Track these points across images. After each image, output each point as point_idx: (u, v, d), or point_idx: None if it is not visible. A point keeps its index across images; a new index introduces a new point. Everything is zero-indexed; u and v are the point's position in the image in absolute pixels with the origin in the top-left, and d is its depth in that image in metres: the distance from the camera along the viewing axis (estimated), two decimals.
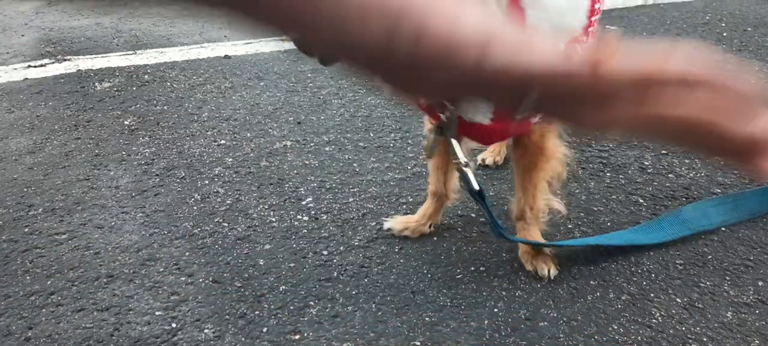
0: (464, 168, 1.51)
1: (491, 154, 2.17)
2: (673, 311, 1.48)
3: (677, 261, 1.66)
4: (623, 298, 1.53)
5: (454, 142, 1.48)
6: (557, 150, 1.62)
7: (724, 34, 3.48)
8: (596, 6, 1.50)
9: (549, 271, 1.62)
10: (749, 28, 3.56)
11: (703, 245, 1.72)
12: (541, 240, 1.68)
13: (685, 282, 1.58)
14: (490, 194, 2.01)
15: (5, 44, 3.66)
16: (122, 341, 1.47)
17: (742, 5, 3.99)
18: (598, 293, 1.55)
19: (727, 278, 1.59)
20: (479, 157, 2.19)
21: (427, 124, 1.58)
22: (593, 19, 1.51)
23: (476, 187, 1.51)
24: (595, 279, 1.60)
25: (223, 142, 2.41)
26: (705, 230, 1.77)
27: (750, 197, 1.85)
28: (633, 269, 1.63)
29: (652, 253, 1.69)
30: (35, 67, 3.27)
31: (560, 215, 1.75)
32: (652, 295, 1.54)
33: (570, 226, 1.84)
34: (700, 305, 1.50)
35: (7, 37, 3.79)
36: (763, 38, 3.39)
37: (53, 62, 3.33)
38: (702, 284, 1.57)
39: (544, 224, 1.71)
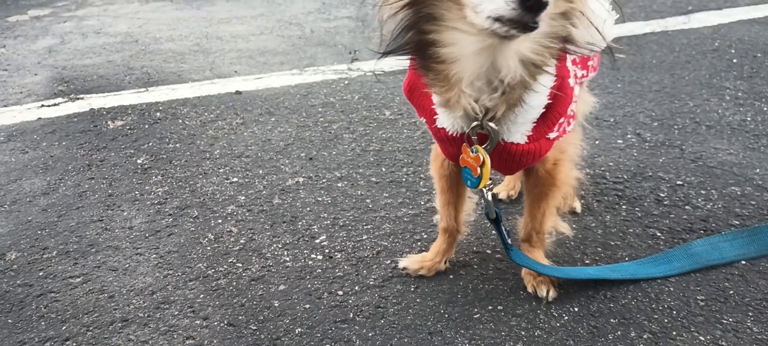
0: (487, 192, 1.58)
1: (505, 188, 2.16)
2: None
3: (698, 297, 1.63)
4: (645, 336, 1.50)
5: (488, 159, 1.48)
6: (569, 178, 1.65)
7: (735, 60, 3.47)
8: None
9: (548, 292, 1.66)
10: (759, 54, 3.54)
11: (724, 279, 1.70)
12: (546, 262, 1.72)
13: (708, 319, 1.55)
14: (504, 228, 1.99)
15: (19, 84, 3.70)
16: None
17: (750, 31, 3.98)
18: (619, 332, 1.52)
19: (750, 314, 1.56)
20: (494, 191, 2.18)
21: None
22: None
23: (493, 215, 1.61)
24: (616, 317, 1.57)
25: (235, 179, 2.41)
26: (715, 264, 1.74)
27: None
28: (654, 305, 1.61)
29: (672, 288, 1.67)
30: (48, 106, 3.30)
31: (565, 236, 1.80)
32: (674, 333, 1.51)
33: (588, 261, 1.82)
34: (724, 343, 1.47)
35: (20, 77, 3.84)
36: None
37: (66, 101, 3.36)
38: (724, 321, 1.54)
39: (551, 245, 1.77)
